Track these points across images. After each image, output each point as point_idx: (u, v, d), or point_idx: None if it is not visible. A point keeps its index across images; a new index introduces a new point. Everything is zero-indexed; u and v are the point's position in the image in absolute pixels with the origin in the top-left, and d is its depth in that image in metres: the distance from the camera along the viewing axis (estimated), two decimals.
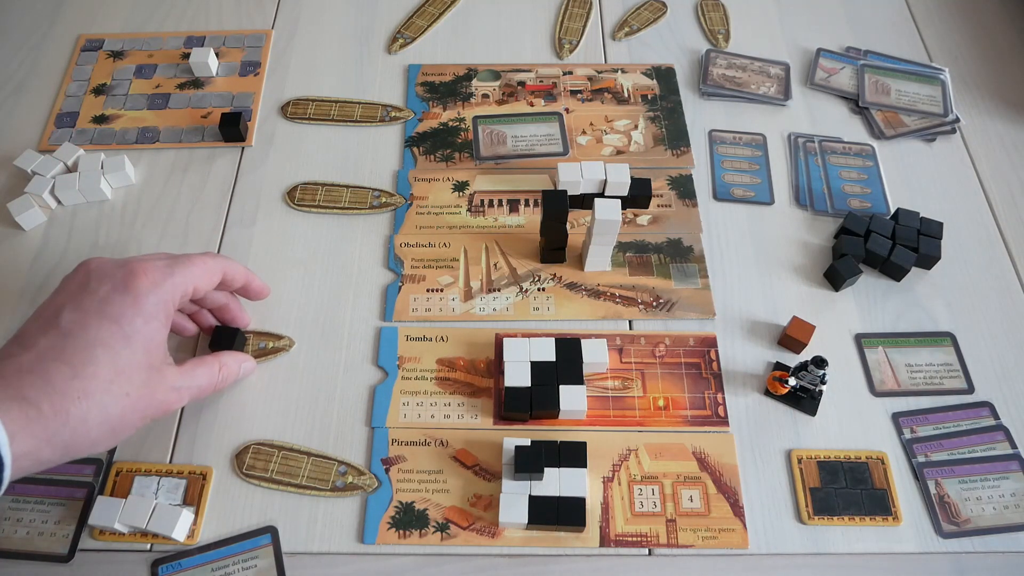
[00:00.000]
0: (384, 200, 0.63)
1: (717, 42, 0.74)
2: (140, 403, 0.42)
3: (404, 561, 0.48)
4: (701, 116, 0.69)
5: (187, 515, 0.48)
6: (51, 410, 0.37)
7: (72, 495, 0.49)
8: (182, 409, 0.53)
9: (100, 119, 0.67)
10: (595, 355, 0.54)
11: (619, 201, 0.54)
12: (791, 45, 0.75)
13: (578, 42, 0.74)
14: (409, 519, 0.49)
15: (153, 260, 0.45)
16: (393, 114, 0.68)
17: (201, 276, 0.46)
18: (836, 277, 0.58)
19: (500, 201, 0.63)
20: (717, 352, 0.56)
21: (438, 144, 0.66)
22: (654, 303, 0.58)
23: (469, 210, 0.62)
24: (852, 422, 0.53)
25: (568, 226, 0.58)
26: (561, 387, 0.52)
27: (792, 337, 0.55)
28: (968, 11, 0.78)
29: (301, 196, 0.63)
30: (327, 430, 0.52)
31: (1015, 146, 0.68)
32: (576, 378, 0.52)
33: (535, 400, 0.51)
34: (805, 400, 0.54)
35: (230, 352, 0.51)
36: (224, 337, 0.53)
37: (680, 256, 0.60)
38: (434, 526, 0.49)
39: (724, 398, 0.54)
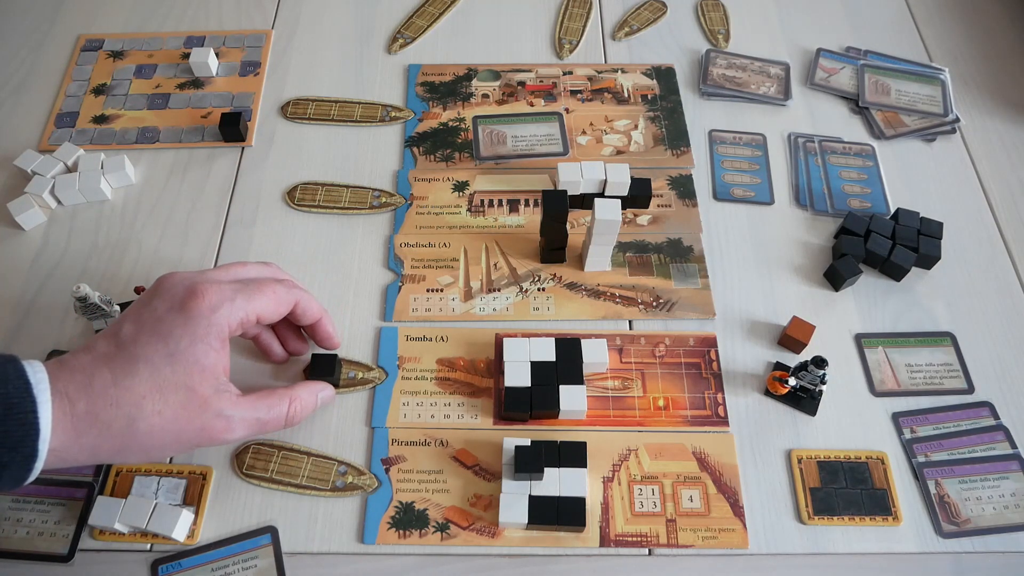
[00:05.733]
0: (384, 200, 0.63)
1: (717, 42, 0.74)
2: (174, 424, 0.41)
3: (404, 561, 0.48)
4: (701, 116, 0.69)
5: (187, 515, 0.48)
6: (84, 410, 0.39)
7: (72, 495, 0.49)
8: None
9: (100, 119, 0.67)
10: (595, 355, 0.53)
11: (619, 201, 0.54)
12: (791, 45, 0.75)
13: (578, 42, 0.74)
14: (409, 519, 0.49)
15: (220, 283, 0.44)
16: (393, 114, 0.68)
17: (266, 306, 0.45)
18: (836, 277, 0.58)
19: (500, 201, 0.63)
20: (717, 352, 0.56)
21: (438, 144, 0.66)
22: (654, 303, 0.58)
23: (469, 210, 0.62)
24: (852, 422, 0.53)
25: (568, 226, 0.58)
26: (561, 387, 0.52)
27: (792, 337, 0.55)
28: (968, 11, 0.78)
29: (301, 196, 0.63)
30: (327, 430, 0.52)
31: (1015, 146, 0.68)
32: (576, 378, 0.52)
33: (535, 400, 0.51)
34: (805, 400, 0.54)
35: (306, 384, 0.48)
36: (322, 365, 0.50)
37: (680, 256, 0.60)
38: (434, 526, 0.49)
39: (724, 398, 0.54)
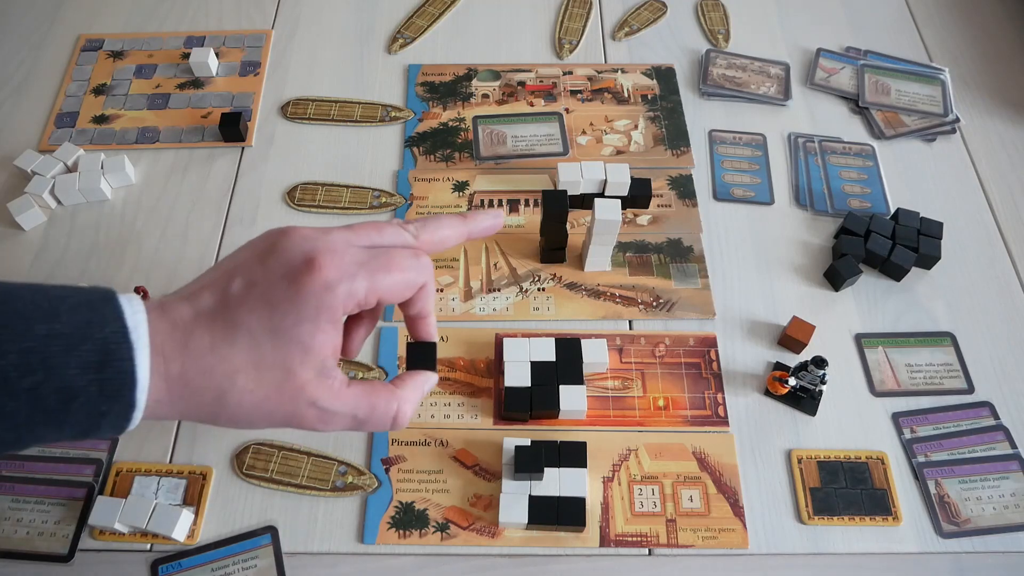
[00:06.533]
0: (384, 200, 0.63)
1: (717, 42, 0.74)
2: (265, 404, 0.37)
3: (404, 561, 0.48)
4: (701, 116, 0.69)
5: (187, 515, 0.48)
6: (177, 373, 0.36)
7: (72, 495, 0.49)
8: None
9: (100, 119, 0.67)
10: (595, 355, 0.54)
11: (619, 201, 0.54)
12: (791, 45, 0.75)
13: (578, 42, 0.74)
14: (409, 519, 0.49)
15: (344, 252, 0.38)
16: (393, 114, 0.68)
17: (392, 287, 0.39)
18: (836, 277, 0.58)
19: (500, 201, 0.63)
20: (717, 352, 0.56)
21: (438, 144, 0.66)
22: (654, 303, 0.58)
23: (469, 210, 0.62)
24: (852, 422, 0.53)
25: (568, 226, 0.58)
26: (561, 387, 0.52)
27: (792, 337, 0.55)
28: (968, 11, 0.78)
29: (301, 196, 0.63)
30: None
31: (1015, 146, 0.68)
32: (576, 378, 0.52)
33: (535, 400, 0.51)
34: (805, 400, 0.54)
35: (413, 380, 0.41)
36: (421, 354, 0.43)
37: (680, 256, 0.60)
38: (434, 526, 0.49)
39: (724, 398, 0.54)
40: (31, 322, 0.33)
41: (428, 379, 0.43)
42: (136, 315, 0.35)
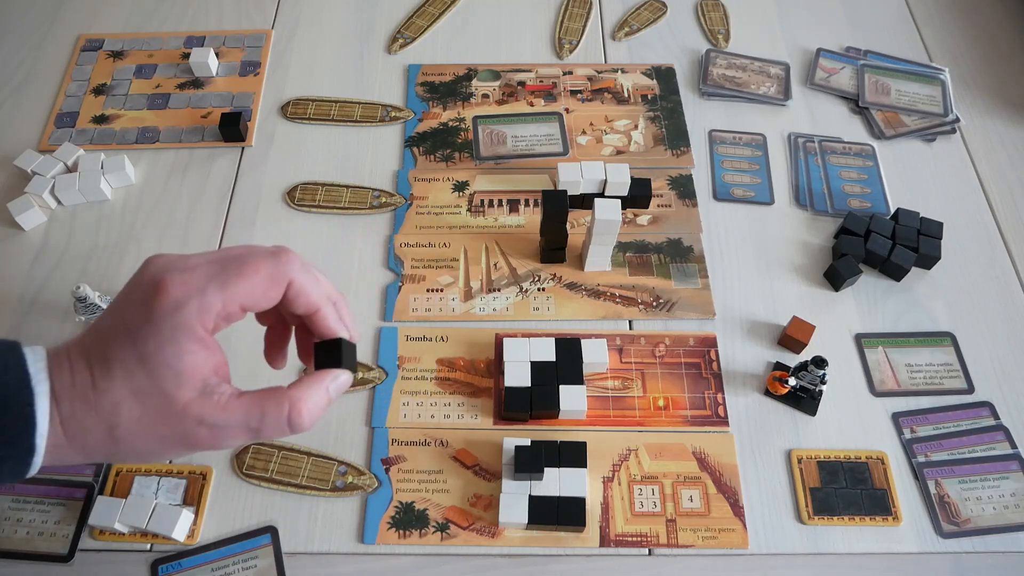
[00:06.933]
0: (384, 200, 0.63)
1: (717, 42, 0.74)
2: (155, 430, 0.36)
3: (404, 561, 0.48)
4: (701, 116, 0.69)
5: (187, 515, 0.48)
6: (68, 412, 0.36)
7: (72, 495, 0.49)
8: None
9: (100, 119, 0.67)
10: (595, 355, 0.53)
11: (619, 201, 0.54)
12: (791, 45, 0.75)
13: (578, 42, 0.74)
14: (409, 519, 0.49)
15: (193, 269, 0.37)
16: (393, 114, 0.68)
17: (251, 290, 0.37)
18: (836, 277, 0.58)
19: (500, 201, 0.63)
20: (717, 352, 0.56)
21: (438, 144, 0.66)
22: (654, 303, 0.58)
23: (469, 210, 0.62)
24: (852, 422, 0.53)
25: (568, 226, 0.58)
26: (561, 387, 0.52)
27: (792, 337, 0.55)
28: (968, 11, 0.78)
29: (301, 196, 0.63)
30: (327, 430, 0.52)
31: (1015, 146, 0.68)
32: (576, 378, 0.52)
33: (535, 400, 0.51)
34: (805, 400, 0.54)
35: (310, 381, 0.39)
36: (327, 353, 0.40)
37: (680, 256, 0.60)
38: (434, 526, 0.49)
39: (724, 398, 0.54)
40: None
41: (335, 378, 0.40)
42: (38, 362, 0.36)
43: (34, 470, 0.36)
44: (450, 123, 0.68)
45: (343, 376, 0.40)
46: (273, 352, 0.44)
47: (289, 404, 0.37)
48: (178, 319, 0.36)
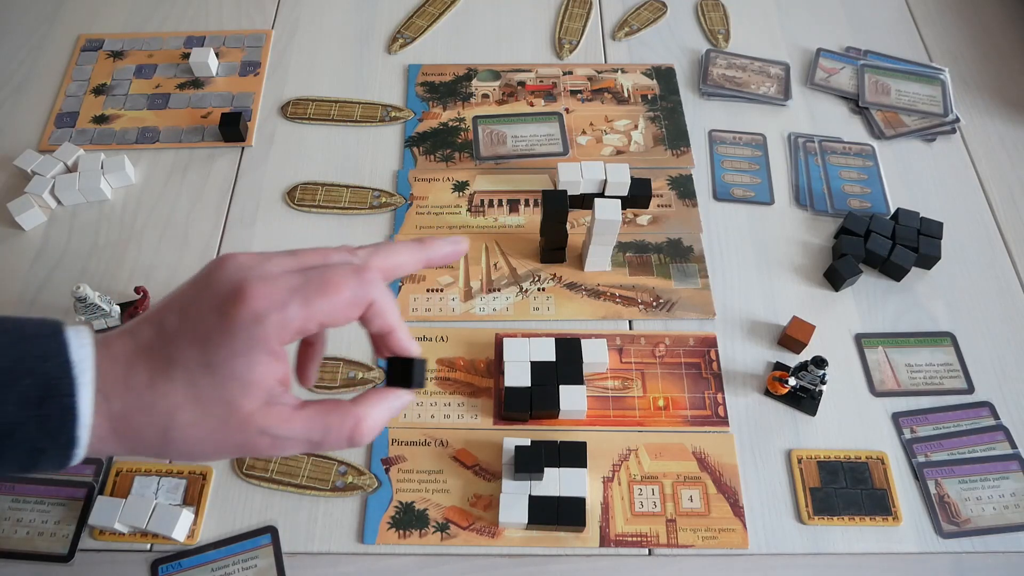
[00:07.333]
0: (384, 200, 0.63)
1: (717, 42, 0.74)
2: (213, 437, 0.35)
3: (404, 561, 0.48)
4: (701, 116, 0.69)
5: (187, 515, 0.48)
6: (119, 410, 0.35)
7: (72, 495, 0.49)
8: None
9: (100, 119, 0.67)
10: (595, 355, 0.53)
11: (619, 201, 0.54)
12: (791, 45, 0.75)
13: (578, 42, 0.74)
14: (409, 519, 0.49)
15: (276, 279, 0.36)
16: (393, 114, 0.68)
17: (332, 310, 0.36)
18: (836, 277, 0.58)
19: (500, 201, 0.63)
20: (717, 352, 0.56)
21: (438, 144, 0.66)
22: (654, 303, 0.58)
23: (469, 210, 0.62)
24: (852, 422, 0.53)
25: (568, 226, 0.58)
26: (561, 387, 0.52)
27: (792, 337, 0.55)
28: (968, 11, 0.78)
29: (301, 196, 0.63)
30: None
31: (1015, 146, 0.68)
32: (576, 378, 0.52)
33: (535, 400, 0.51)
34: (805, 400, 0.54)
35: (377, 397, 0.38)
36: (399, 371, 0.40)
37: (680, 256, 0.60)
38: (434, 526, 0.49)
39: (724, 398, 0.54)
40: None
41: (399, 397, 0.39)
42: (82, 349, 0.34)
43: (76, 461, 0.35)
44: (450, 123, 0.68)
45: (407, 396, 0.40)
46: (305, 369, 0.43)
47: (354, 421, 0.37)
48: (256, 332, 0.34)
